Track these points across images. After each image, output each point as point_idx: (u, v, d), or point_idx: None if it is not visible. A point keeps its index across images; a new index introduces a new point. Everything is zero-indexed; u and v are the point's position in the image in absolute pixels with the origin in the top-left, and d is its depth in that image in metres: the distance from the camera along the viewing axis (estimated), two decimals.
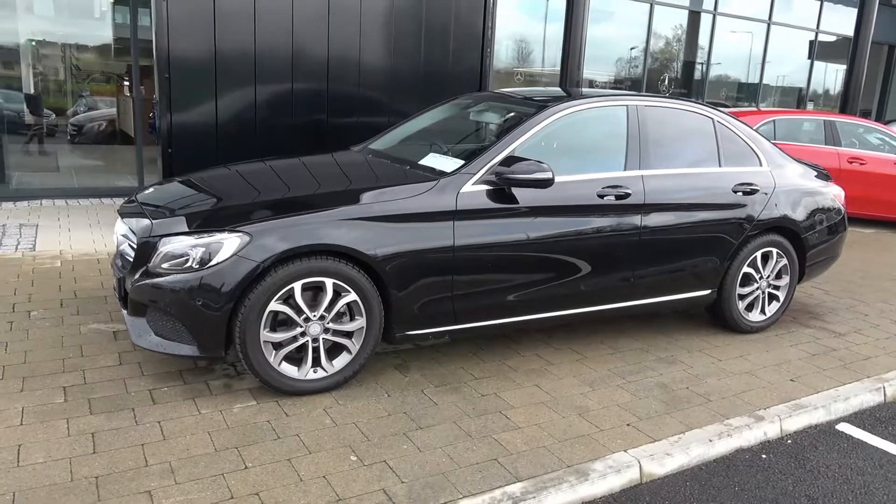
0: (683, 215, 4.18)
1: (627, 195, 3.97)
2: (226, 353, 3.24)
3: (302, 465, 2.78)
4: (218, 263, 3.10)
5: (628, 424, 3.34)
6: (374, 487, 2.67)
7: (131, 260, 3.37)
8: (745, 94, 13.33)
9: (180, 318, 3.15)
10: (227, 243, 3.13)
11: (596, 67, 11.58)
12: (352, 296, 3.32)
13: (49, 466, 2.65)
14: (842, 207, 4.97)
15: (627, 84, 11.96)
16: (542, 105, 3.99)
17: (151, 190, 3.90)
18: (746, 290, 4.59)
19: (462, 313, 3.64)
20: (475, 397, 3.50)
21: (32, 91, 8.80)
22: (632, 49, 11.72)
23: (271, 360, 3.24)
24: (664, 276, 4.22)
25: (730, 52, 12.93)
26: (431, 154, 3.98)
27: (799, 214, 4.64)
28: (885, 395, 4.03)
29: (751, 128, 4.75)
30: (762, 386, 3.90)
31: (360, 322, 3.39)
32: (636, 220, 4.01)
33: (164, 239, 3.23)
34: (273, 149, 6.05)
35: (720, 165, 4.42)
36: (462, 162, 3.71)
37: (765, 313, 4.72)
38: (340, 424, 3.13)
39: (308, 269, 3.20)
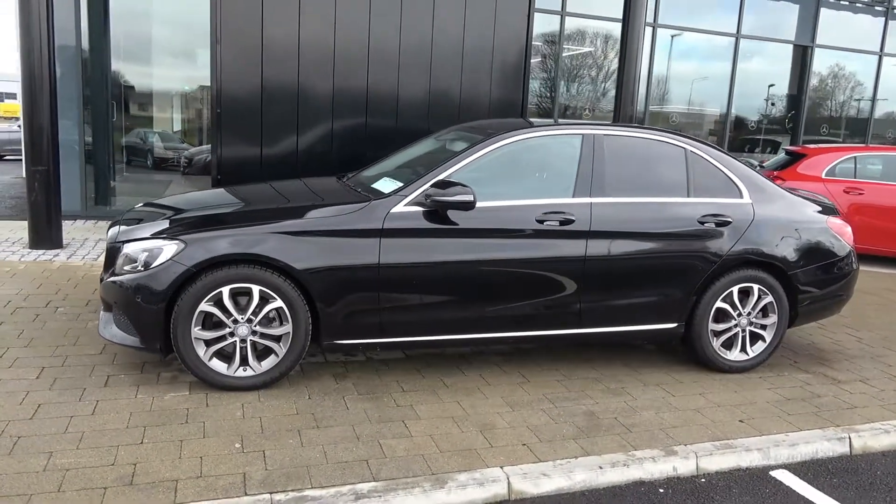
0: (636, 244, 4.12)
1: (570, 221, 4.01)
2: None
3: (189, 446, 3.11)
4: (157, 266, 3.55)
5: (524, 444, 3.36)
6: (237, 470, 2.94)
7: None
8: (851, 131, 12.35)
9: (127, 312, 3.63)
10: (167, 249, 3.58)
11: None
12: (278, 302, 3.65)
13: None
14: (846, 244, 4.61)
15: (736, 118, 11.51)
16: (489, 134, 4.15)
17: (140, 205, 4.49)
18: (721, 326, 4.39)
19: (390, 327, 3.84)
20: (389, 407, 3.67)
21: (156, 128, 10.17)
22: (771, 86, 11.31)
23: (202, 355, 3.62)
24: (618, 305, 4.17)
25: (835, 86, 12.10)
26: (384, 178, 4.26)
27: (784, 249, 4.38)
28: (850, 446, 3.70)
29: (736, 159, 4.59)
30: (701, 423, 3.73)
31: (287, 328, 3.70)
32: (580, 246, 4.02)
33: (125, 244, 3.75)
34: None
35: (689, 195, 4.31)
36: (402, 184, 3.96)
37: (746, 353, 4.47)
38: (247, 417, 3.43)
39: (234, 276, 3.57)
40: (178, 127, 10.62)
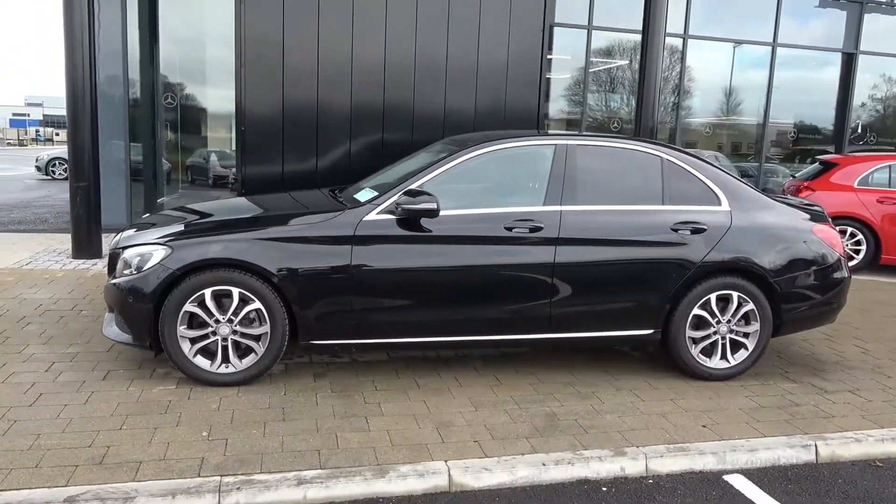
0: (606, 251, 4.20)
1: (539, 229, 4.13)
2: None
3: (160, 433, 3.40)
4: (147, 269, 3.89)
5: (475, 441, 3.49)
6: (197, 455, 3.19)
7: None
8: None
9: (121, 312, 3.98)
10: (156, 254, 3.91)
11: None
12: (256, 304, 3.92)
13: None
14: (835, 251, 4.54)
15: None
16: (464, 146, 4.33)
17: (147, 215, 4.88)
18: (700, 333, 4.39)
19: (365, 329, 4.05)
20: (358, 404, 3.87)
21: (211, 147, 10.80)
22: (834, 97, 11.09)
23: (187, 352, 3.92)
24: (589, 311, 4.24)
25: (883, 94, 11.65)
26: (366, 189, 4.50)
27: (764, 257, 4.36)
28: (816, 454, 3.66)
29: (722, 169, 4.60)
30: (662, 427, 3.76)
31: (265, 328, 3.96)
32: (548, 253, 4.13)
33: (124, 250, 4.11)
34: None
35: (664, 203, 4.36)
36: (376, 194, 4.19)
37: (728, 360, 4.45)
38: (222, 410, 3.70)
39: (215, 279, 3.87)
40: (234, 146, 11.20)
